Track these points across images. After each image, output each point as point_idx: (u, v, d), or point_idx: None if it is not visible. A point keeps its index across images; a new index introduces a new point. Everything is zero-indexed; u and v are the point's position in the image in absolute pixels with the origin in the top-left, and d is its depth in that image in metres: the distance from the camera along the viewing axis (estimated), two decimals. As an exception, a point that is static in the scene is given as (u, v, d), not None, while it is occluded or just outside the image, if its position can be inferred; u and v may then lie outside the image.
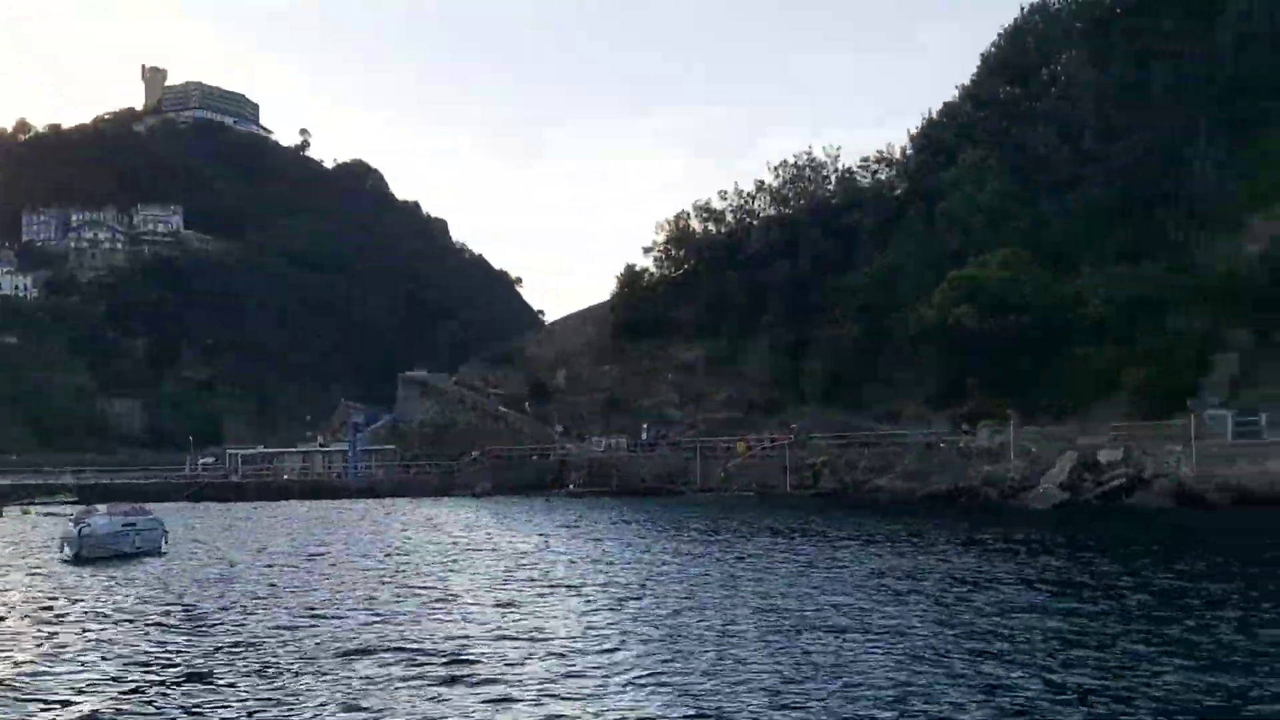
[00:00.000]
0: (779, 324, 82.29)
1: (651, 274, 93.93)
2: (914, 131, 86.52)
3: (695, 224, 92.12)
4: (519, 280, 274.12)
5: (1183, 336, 57.99)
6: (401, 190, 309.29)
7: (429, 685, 14.47)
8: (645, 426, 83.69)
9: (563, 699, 13.62)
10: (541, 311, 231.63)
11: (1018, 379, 64.37)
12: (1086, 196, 66.71)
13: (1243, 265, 57.80)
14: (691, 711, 12.90)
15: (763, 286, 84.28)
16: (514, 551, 34.78)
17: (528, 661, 16.17)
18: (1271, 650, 15.49)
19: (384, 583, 26.39)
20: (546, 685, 14.43)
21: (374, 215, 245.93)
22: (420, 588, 25.31)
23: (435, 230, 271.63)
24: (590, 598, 23.01)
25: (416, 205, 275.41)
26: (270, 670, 15.69)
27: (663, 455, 79.16)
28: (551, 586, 25.12)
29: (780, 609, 20.78)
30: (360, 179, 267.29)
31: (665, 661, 15.90)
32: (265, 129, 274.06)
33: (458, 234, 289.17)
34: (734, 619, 19.60)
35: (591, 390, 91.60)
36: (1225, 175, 62.48)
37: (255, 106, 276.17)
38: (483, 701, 13.45)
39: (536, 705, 13.31)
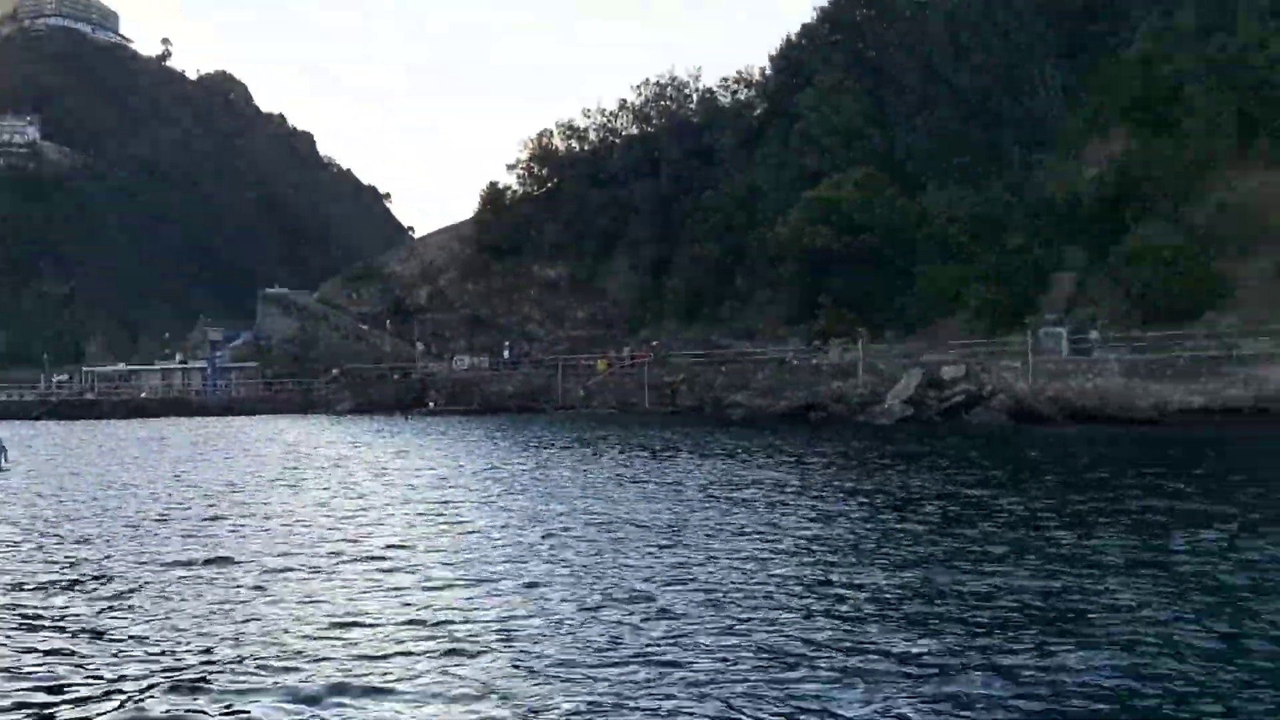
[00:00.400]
0: (640, 242, 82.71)
1: (515, 191, 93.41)
2: (774, 53, 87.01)
3: (558, 141, 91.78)
4: (388, 196, 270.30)
5: (1023, 256, 59.56)
6: (267, 102, 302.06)
7: (242, 592, 14.71)
8: (507, 344, 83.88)
9: (369, 600, 13.96)
10: (411, 228, 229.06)
11: (869, 297, 65.76)
12: (936, 119, 67.84)
13: (1080, 187, 59.41)
14: (494, 606, 13.53)
15: (625, 205, 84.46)
16: (358, 468, 34.92)
17: (339, 567, 16.49)
18: (1050, 552, 16.34)
19: (219, 498, 26.39)
20: (355, 588, 14.76)
21: (237, 128, 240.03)
22: (256, 503, 25.40)
23: (301, 143, 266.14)
24: (424, 510, 23.36)
25: (282, 118, 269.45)
26: (87, 582, 15.78)
27: (525, 373, 79.54)
28: (386, 502, 25.34)
29: (601, 513, 21.64)
30: (224, 90, 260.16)
31: (482, 565, 16.47)
32: (125, 38, 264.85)
33: (325, 148, 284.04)
34: (552, 526, 20.19)
35: (455, 308, 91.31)
36: (1067, 99, 63.99)
37: (115, 15, 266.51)
38: (282, 606, 13.70)
39: (342, 606, 13.62)
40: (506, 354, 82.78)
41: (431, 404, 75.90)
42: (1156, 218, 55.25)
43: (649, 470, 31.01)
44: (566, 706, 9.59)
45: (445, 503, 24.65)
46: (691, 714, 9.33)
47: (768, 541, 17.96)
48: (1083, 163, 61.09)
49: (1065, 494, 23.95)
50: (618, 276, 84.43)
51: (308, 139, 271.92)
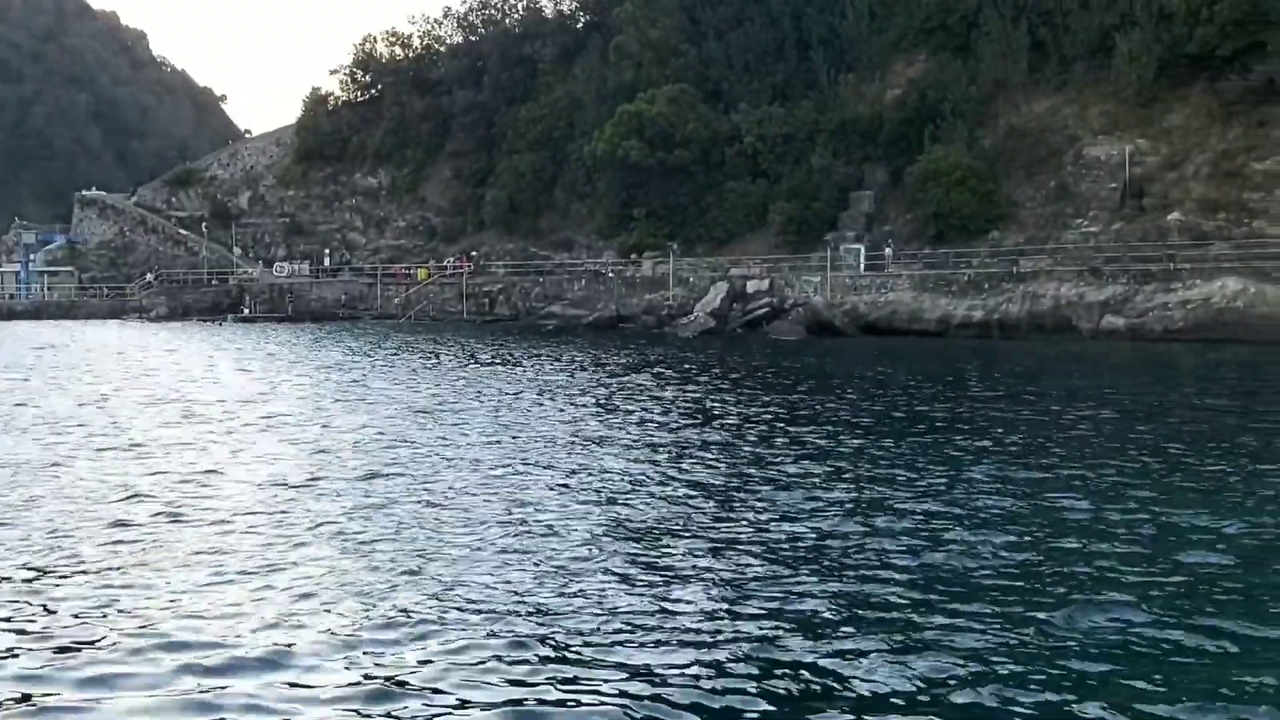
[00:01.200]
0: (462, 152, 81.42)
1: (338, 98, 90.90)
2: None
3: (382, 48, 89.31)
4: (224, 98, 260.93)
5: (826, 174, 60.23)
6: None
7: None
8: (328, 252, 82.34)
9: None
10: (248, 130, 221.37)
11: (681, 211, 66.09)
12: (748, 36, 67.77)
13: (881, 108, 60.13)
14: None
15: (447, 114, 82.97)
16: (139, 370, 34.07)
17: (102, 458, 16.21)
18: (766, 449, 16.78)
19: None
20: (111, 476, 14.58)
21: (64, 25, 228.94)
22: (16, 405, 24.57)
23: (133, 42, 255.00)
24: (188, 408, 22.95)
25: (114, 15, 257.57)
26: None
27: (345, 281, 78.36)
28: (150, 401, 24.67)
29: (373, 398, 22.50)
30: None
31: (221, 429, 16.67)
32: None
33: (159, 48, 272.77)
34: (328, 416, 20.55)
35: (276, 214, 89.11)
36: (873, 21, 64.47)
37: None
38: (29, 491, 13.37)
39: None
40: (327, 261, 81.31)
41: (247, 310, 74.14)
42: (951, 139, 56.23)
43: (438, 371, 30.94)
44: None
45: (215, 394, 24.24)
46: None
47: (518, 437, 18.01)
48: (886, 84, 61.78)
49: (790, 399, 24.58)
50: (439, 185, 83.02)
51: (140, 36, 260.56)
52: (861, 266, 55.66)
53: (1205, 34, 49.08)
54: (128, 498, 13.76)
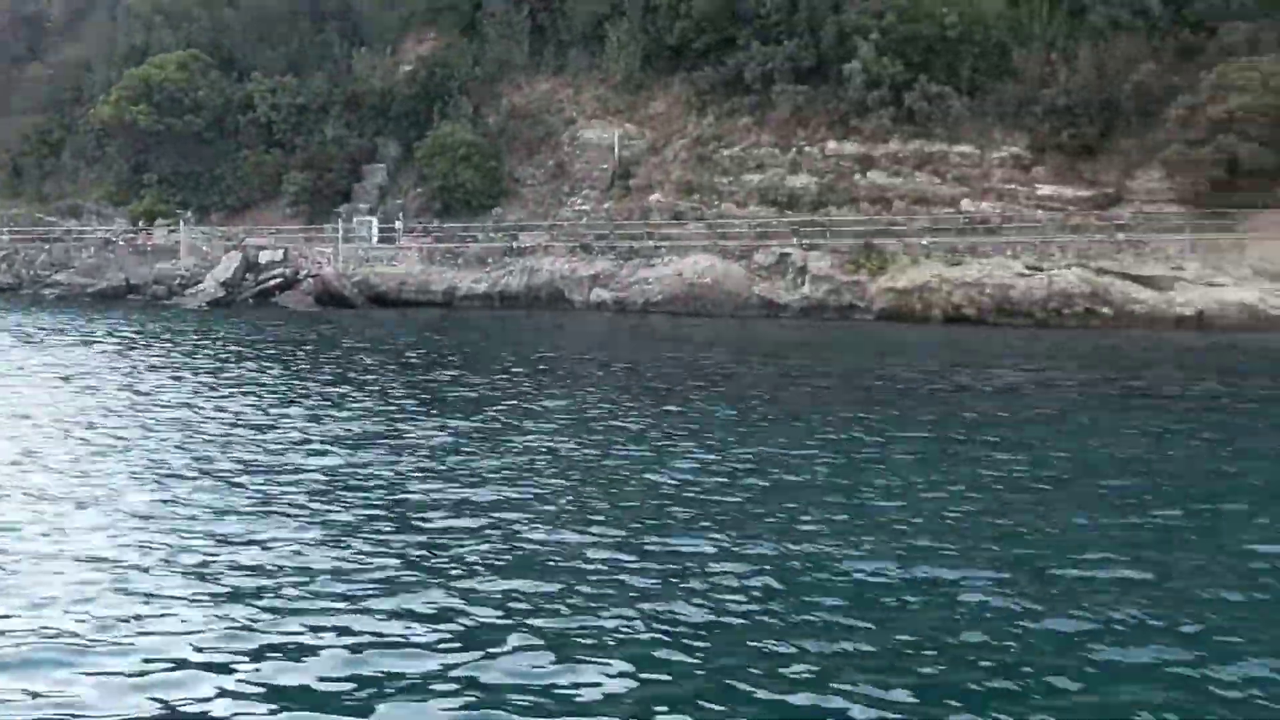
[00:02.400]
0: (-39, 112, 72.91)
1: None
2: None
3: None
4: None
5: (340, 145, 58.16)
6: None
7: None
8: None
9: None
10: None
11: (194, 179, 62.14)
12: (261, 6, 64.24)
13: (394, 83, 58.50)
14: None
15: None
16: None
17: None
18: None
19: None
20: None
21: None
22: None
23: None
24: None
25: None
26: None
27: None
28: None
29: None
30: None
31: None
32: None
33: None
34: None
35: None
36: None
37: None
38: None
39: None
40: None
41: None
42: (458, 116, 55.42)
43: None
44: None
45: None
46: None
47: None
48: (398, 60, 60.13)
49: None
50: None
51: None
52: (374, 239, 54.21)
53: (684, 28, 50.72)
54: None
